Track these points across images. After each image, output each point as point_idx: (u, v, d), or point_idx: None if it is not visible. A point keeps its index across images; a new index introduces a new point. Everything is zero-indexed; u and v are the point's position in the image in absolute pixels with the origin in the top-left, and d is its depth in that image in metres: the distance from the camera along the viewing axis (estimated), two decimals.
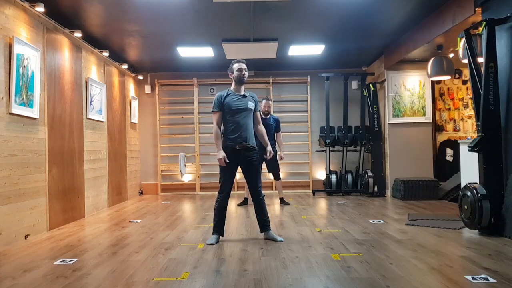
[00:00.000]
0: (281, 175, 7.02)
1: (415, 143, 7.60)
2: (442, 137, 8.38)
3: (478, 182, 4.31)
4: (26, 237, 4.39)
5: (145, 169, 9.08)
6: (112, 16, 5.48)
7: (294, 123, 8.97)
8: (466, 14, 4.79)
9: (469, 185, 4.34)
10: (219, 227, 4.15)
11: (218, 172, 4.27)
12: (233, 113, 4.07)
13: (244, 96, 4.17)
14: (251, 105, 4.15)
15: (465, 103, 8.38)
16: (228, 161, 4.04)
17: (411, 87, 7.66)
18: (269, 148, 4.26)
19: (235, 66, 4.15)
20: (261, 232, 4.22)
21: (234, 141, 4.05)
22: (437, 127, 8.37)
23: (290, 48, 7.16)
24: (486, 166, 4.21)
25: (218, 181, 4.23)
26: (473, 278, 2.80)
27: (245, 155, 4.09)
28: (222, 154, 4.03)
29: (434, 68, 6.33)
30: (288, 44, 6.95)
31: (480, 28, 4.33)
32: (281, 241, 4.03)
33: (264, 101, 6.61)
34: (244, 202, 6.78)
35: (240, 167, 4.20)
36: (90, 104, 6.23)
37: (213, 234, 4.12)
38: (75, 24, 5.61)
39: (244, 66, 4.16)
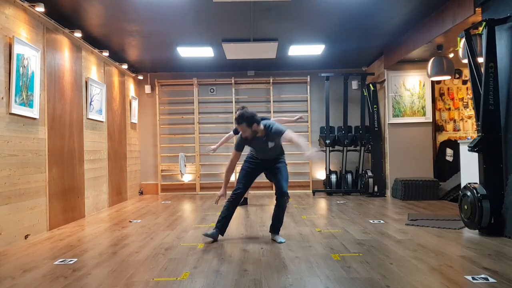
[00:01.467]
0: None
1: (415, 143, 7.60)
2: (442, 137, 8.38)
3: (478, 182, 4.31)
4: (26, 237, 4.39)
5: (145, 169, 9.08)
6: (112, 16, 5.48)
7: (294, 123, 8.96)
8: (466, 14, 4.79)
9: (469, 185, 4.34)
10: (222, 224, 4.14)
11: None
12: (256, 152, 4.18)
13: (266, 138, 4.00)
14: (271, 144, 4.04)
15: (465, 103, 8.38)
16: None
17: (411, 87, 7.66)
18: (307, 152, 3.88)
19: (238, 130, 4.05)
20: (269, 232, 4.24)
21: (256, 157, 4.19)
22: (437, 127, 8.37)
23: (290, 48, 7.16)
24: (486, 166, 4.21)
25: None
26: (473, 278, 2.80)
27: (268, 162, 4.14)
28: (221, 192, 4.12)
29: (434, 68, 6.33)
30: (288, 44, 6.95)
31: (480, 28, 4.33)
32: (281, 242, 4.02)
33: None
34: (244, 202, 6.78)
35: (264, 173, 4.29)
36: (90, 104, 6.24)
37: (214, 228, 4.13)
38: (75, 24, 5.61)
39: (241, 126, 3.91)
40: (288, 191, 4.09)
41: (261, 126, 3.96)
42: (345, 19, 5.76)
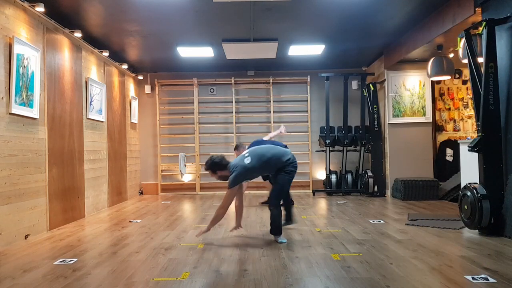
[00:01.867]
0: None
1: (415, 143, 7.60)
2: (442, 137, 8.38)
3: (478, 182, 4.31)
4: (26, 237, 4.39)
5: (145, 169, 9.08)
6: (112, 16, 5.48)
7: (294, 123, 8.97)
8: (466, 14, 4.79)
9: (469, 185, 4.34)
10: (286, 220, 4.52)
11: None
12: None
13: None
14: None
15: (465, 103, 8.38)
16: None
17: (411, 87, 7.66)
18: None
19: None
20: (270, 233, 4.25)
21: None
22: (437, 127, 8.37)
23: (290, 48, 7.16)
24: (486, 166, 4.21)
25: None
26: (473, 278, 2.80)
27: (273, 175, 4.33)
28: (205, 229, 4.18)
29: (434, 68, 6.33)
30: (288, 44, 6.95)
31: (480, 28, 4.34)
32: (281, 242, 4.02)
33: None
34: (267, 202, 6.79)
35: None
36: (90, 104, 6.24)
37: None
38: (75, 24, 5.61)
39: (208, 171, 4.20)
40: (289, 192, 4.14)
41: (228, 167, 4.08)
42: (345, 19, 5.76)
